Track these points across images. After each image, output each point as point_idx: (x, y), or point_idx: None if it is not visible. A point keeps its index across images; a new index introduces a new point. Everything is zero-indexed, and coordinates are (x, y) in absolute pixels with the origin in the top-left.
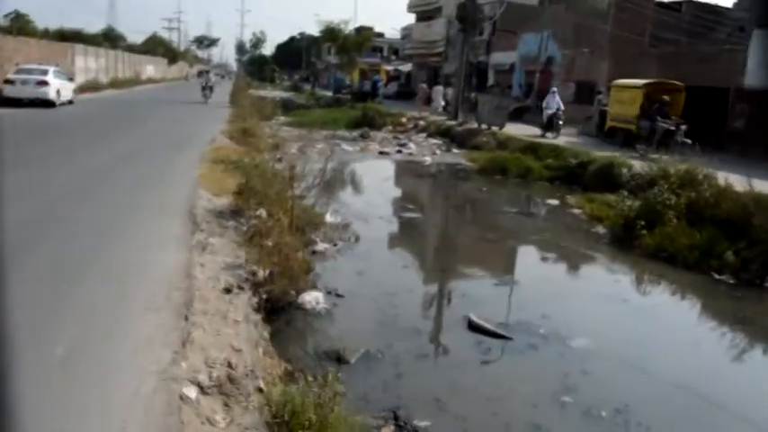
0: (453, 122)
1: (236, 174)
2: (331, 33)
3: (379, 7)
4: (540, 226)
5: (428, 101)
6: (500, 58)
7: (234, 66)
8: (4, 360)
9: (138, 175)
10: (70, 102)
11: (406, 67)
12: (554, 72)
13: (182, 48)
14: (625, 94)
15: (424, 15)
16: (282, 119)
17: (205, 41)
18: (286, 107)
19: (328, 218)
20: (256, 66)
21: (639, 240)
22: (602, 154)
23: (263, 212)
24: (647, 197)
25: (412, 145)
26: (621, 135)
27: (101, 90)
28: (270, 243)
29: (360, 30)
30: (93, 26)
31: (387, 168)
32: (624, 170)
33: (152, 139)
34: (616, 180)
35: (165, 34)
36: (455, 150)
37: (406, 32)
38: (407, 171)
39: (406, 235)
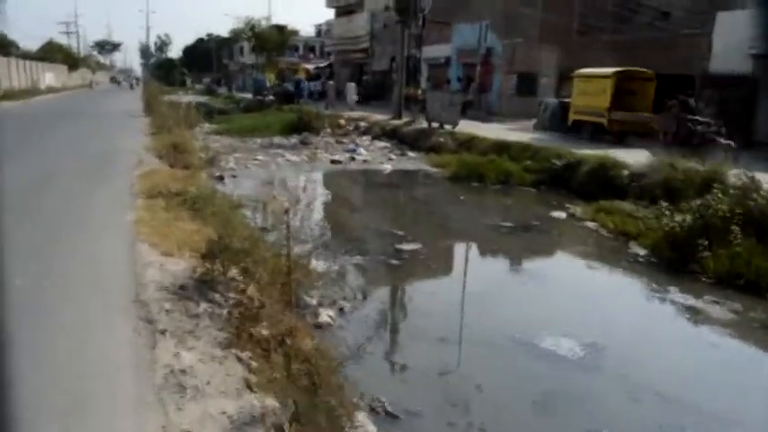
0: (398, 122)
1: (181, 211)
2: (251, 30)
3: (291, 3)
4: (555, 244)
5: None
6: (433, 51)
7: (139, 71)
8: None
9: (43, 222)
10: None
11: (328, 65)
12: (494, 64)
13: (82, 53)
14: (592, 85)
15: (345, 10)
16: (207, 126)
17: (107, 46)
18: (208, 113)
19: (316, 264)
20: (163, 70)
21: (701, 263)
22: (589, 152)
23: (245, 282)
24: (699, 209)
25: (362, 150)
26: (589, 128)
27: None
28: (265, 332)
29: (279, 27)
30: None
31: (346, 181)
32: (624, 172)
33: (62, 163)
34: (613, 183)
35: (62, 40)
36: (411, 154)
37: (326, 28)
38: (369, 183)
39: (420, 280)
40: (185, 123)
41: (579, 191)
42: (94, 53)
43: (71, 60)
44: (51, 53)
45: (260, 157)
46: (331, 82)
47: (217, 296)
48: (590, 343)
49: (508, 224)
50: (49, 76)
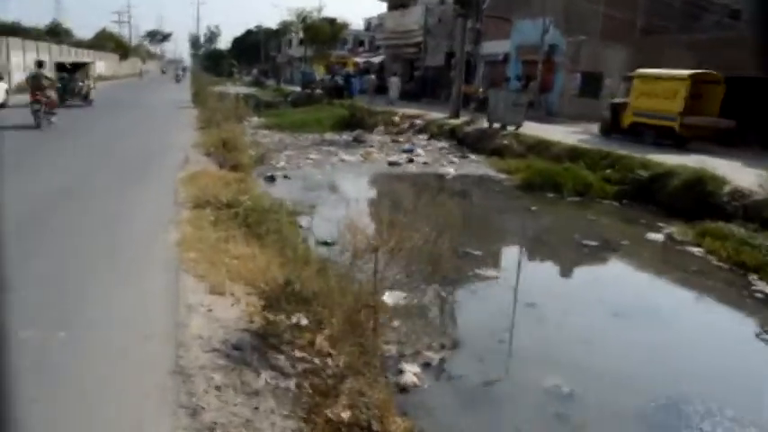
0: (457, 121)
1: (233, 227)
2: (302, 22)
3: None
4: (657, 273)
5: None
6: (491, 47)
7: (188, 61)
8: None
9: (66, 246)
10: (2, 105)
11: (379, 59)
12: (557, 62)
13: (133, 43)
14: (659, 87)
15: (398, 3)
16: (256, 120)
17: (158, 36)
18: (256, 106)
19: (389, 298)
20: (212, 61)
21: None
22: (677, 162)
23: (313, 331)
24: None
25: (420, 151)
26: (652, 133)
27: None
28: (345, 414)
29: (330, 20)
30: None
31: (406, 186)
32: (725, 188)
33: (100, 163)
34: (710, 200)
35: (115, 29)
36: (473, 157)
37: (377, 22)
38: (432, 189)
39: (509, 316)
40: (234, 117)
41: (669, 207)
42: (145, 43)
43: (122, 49)
44: (103, 42)
45: (312, 156)
46: (372, 76)
47: (281, 358)
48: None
49: (592, 243)
50: (100, 64)
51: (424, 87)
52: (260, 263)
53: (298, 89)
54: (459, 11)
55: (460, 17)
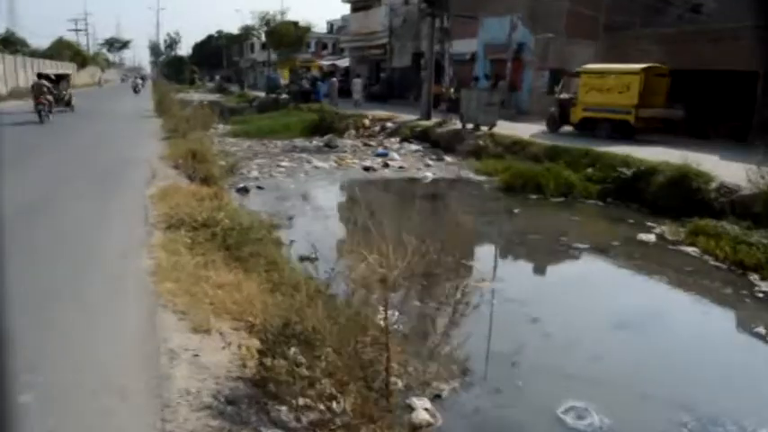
0: (428, 123)
1: (211, 250)
2: (266, 24)
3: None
4: (653, 275)
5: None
6: (457, 47)
7: (148, 68)
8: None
9: (24, 276)
10: None
11: (344, 62)
12: (526, 60)
13: (91, 51)
14: (610, 81)
15: (361, 5)
16: (222, 127)
17: (116, 44)
18: (221, 113)
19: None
20: (173, 68)
21: None
22: (655, 158)
23: (314, 370)
24: None
25: (395, 154)
26: (607, 126)
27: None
28: None
29: (294, 23)
30: None
31: (384, 193)
32: (711, 184)
33: (64, 175)
34: (697, 197)
35: (72, 37)
36: (448, 159)
37: (340, 24)
38: (411, 195)
39: (515, 332)
40: (200, 125)
41: (655, 205)
42: (104, 51)
43: (80, 58)
44: (60, 51)
45: (285, 164)
46: (334, 79)
47: (283, 410)
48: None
49: (582, 245)
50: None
51: (390, 89)
52: (246, 292)
53: (262, 94)
54: (427, 10)
55: (428, 16)
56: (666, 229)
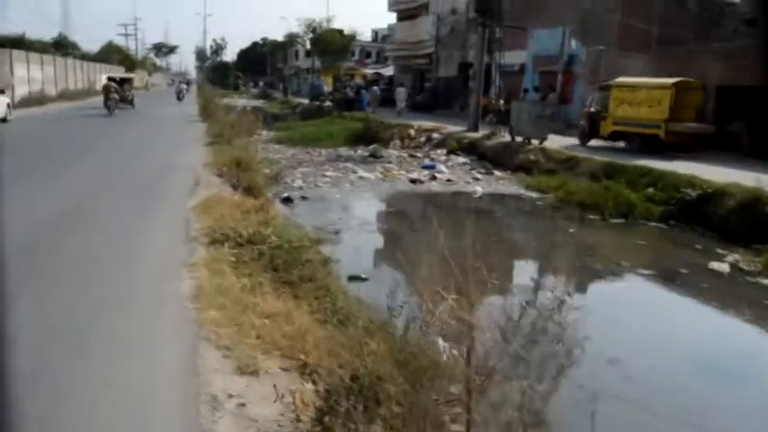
0: (476, 135)
1: (258, 271)
2: (312, 32)
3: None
4: (735, 312)
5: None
6: (507, 58)
7: (194, 73)
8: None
9: (50, 304)
10: (2, 120)
11: (388, 71)
12: (576, 72)
13: (139, 56)
14: (641, 95)
15: (407, 14)
16: (266, 134)
17: (163, 49)
18: (265, 119)
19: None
20: (218, 73)
21: None
22: (729, 181)
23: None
24: None
25: (442, 167)
26: (638, 140)
27: (48, 103)
28: None
29: (339, 31)
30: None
31: (434, 207)
32: None
33: (102, 184)
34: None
35: (121, 42)
36: (497, 173)
37: (386, 32)
38: (462, 210)
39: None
40: (244, 131)
41: (723, 230)
42: (151, 55)
43: (129, 62)
44: (110, 54)
45: (329, 174)
46: (375, 88)
47: None
48: None
49: (648, 272)
50: (106, 77)
51: (435, 99)
52: (297, 323)
53: (306, 101)
54: (478, 20)
55: (480, 26)
56: (740, 257)
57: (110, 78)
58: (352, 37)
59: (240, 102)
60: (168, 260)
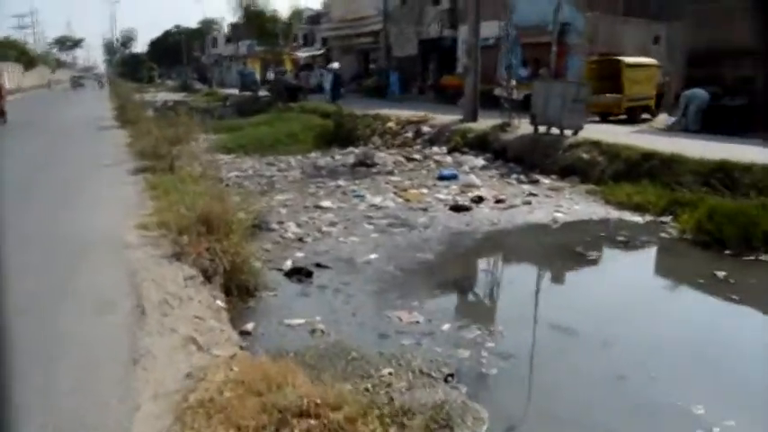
0: (479, 126)
1: None
2: (245, 10)
3: None
4: None
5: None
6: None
7: (102, 68)
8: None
9: None
10: None
11: (316, 54)
12: (570, 44)
13: (39, 51)
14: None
15: None
16: (205, 137)
17: (68, 42)
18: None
19: None
20: (129, 66)
21: None
22: None
23: None
24: None
25: (473, 177)
26: None
27: None
28: None
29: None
30: None
31: (528, 260)
32: None
33: None
34: None
35: (17, 36)
36: (545, 181)
37: (322, 10)
38: (570, 257)
39: None
40: (178, 137)
41: None
42: (54, 50)
43: (27, 58)
44: (4, 51)
45: (324, 203)
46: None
47: None
48: None
49: None
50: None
51: (387, 82)
52: None
53: (235, 92)
54: None
55: None
56: None
57: None
58: (299, 13)
59: (159, 96)
60: None
